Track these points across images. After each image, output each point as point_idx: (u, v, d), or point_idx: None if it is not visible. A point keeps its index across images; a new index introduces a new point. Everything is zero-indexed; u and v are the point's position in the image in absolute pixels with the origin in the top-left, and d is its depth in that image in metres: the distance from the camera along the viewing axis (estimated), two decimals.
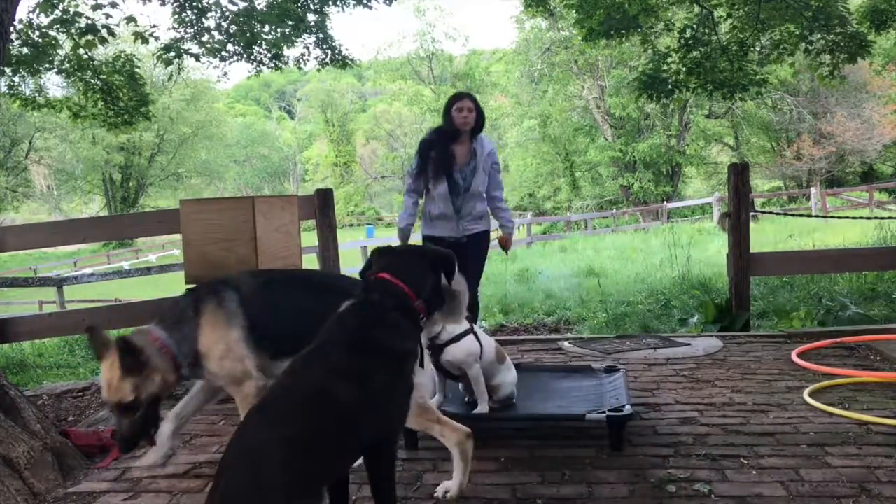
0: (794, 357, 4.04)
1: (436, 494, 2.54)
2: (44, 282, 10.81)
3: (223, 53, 9.65)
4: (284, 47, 9.81)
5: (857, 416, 3.08)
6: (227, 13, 9.39)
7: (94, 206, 45.04)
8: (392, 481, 2.16)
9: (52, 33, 8.68)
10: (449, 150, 4.51)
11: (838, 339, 4.38)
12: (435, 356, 2.97)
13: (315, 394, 2.01)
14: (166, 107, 37.33)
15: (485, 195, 4.64)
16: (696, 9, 10.95)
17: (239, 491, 1.85)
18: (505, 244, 4.92)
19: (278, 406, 2.04)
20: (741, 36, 10.53)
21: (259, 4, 9.44)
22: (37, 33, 8.61)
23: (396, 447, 2.19)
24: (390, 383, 2.10)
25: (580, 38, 12.37)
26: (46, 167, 40.04)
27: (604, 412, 2.88)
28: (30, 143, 36.83)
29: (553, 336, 5.43)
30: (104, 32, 8.39)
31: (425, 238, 4.62)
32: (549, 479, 2.61)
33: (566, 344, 4.73)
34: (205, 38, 9.56)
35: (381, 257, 2.41)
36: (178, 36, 9.56)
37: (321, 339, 2.29)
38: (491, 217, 4.83)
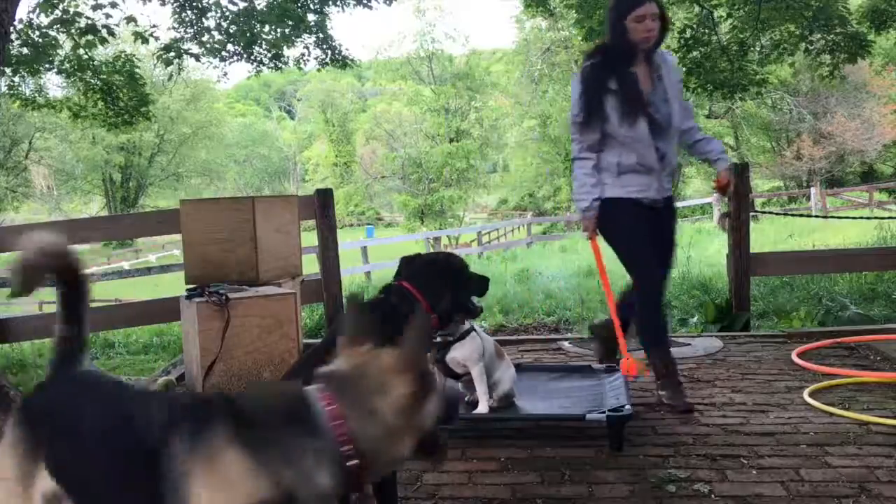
0: (794, 357, 4.04)
1: None
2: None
3: (223, 53, 9.67)
4: (284, 47, 9.82)
5: (857, 416, 3.08)
6: (227, 13, 9.40)
7: (94, 206, 45.01)
8: (393, 480, 2.16)
9: (52, 33, 8.69)
10: (634, 75, 3.22)
11: (838, 339, 4.38)
12: (440, 354, 2.99)
13: None
14: (166, 107, 37.30)
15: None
16: (696, 9, 10.95)
17: None
18: (727, 185, 3.45)
19: None
20: (741, 36, 10.55)
21: (259, 4, 9.45)
22: (37, 33, 8.62)
23: None
24: None
25: (580, 38, 12.37)
26: (46, 167, 39.99)
27: (604, 412, 2.88)
28: (30, 143, 36.79)
29: (553, 336, 5.43)
30: (104, 32, 8.40)
31: (609, 201, 3.29)
32: (549, 479, 2.61)
33: (566, 344, 4.73)
34: (205, 38, 9.57)
35: (407, 265, 2.39)
36: (178, 36, 9.57)
37: (326, 337, 2.30)
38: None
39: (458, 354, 2.99)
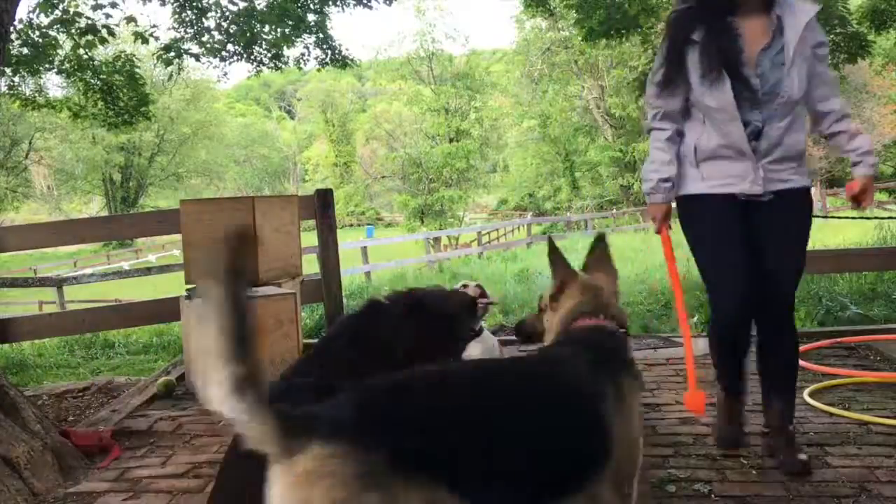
0: None
1: None
2: (44, 282, 10.82)
3: (223, 53, 9.66)
4: (284, 47, 9.81)
5: (857, 416, 3.08)
6: (227, 13, 9.39)
7: (94, 206, 45.04)
8: None
9: (52, 33, 8.68)
10: (729, 25, 2.45)
11: (838, 339, 4.38)
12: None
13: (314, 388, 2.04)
14: (166, 107, 37.35)
15: (802, 112, 2.53)
16: None
17: (238, 489, 1.88)
18: (860, 194, 2.56)
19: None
20: None
21: (259, 4, 9.44)
22: (37, 33, 8.61)
23: None
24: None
25: (580, 38, 12.37)
26: (46, 167, 40.04)
27: None
28: (30, 143, 36.83)
29: None
30: (104, 32, 8.39)
31: (687, 198, 2.62)
32: None
33: None
34: (205, 38, 9.56)
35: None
36: (178, 36, 9.56)
37: (327, 336, 2.32)
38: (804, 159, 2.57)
39: (475, 352, 3.08)
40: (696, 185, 2.58)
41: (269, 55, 9.88)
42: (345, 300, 5.37)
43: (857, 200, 2.56)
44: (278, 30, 9.49)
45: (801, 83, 2.44)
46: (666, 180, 2.60)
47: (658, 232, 2.73)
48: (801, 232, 2.57)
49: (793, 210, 2.53)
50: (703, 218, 2.59)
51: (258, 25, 9.39)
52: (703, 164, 2.55)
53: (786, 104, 2.43)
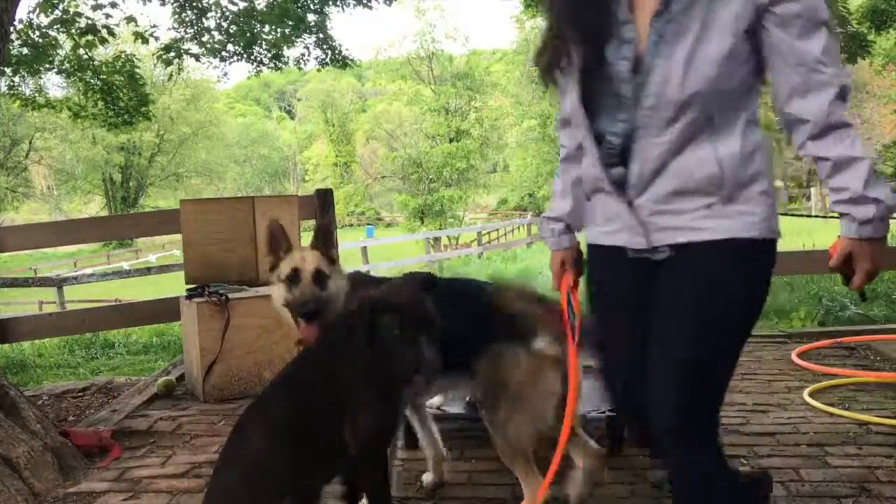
0: (794, 357, 4.04)
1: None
2: (44, 282, 10.83)
3: (223, 53, 9.67)
4: (284, 47, 9.82)
5: (857, 416, 3.08)
6: (227, 13, 9.39)
7: (94, 206, 45.05)
8: (380, 484, 2.18)
9: (52, 33, 8.69)
10: None
11: (838, 339, 4.38)
12: None
13: (301, 392, 2.07)
14: (166, 107, 37.35)
15: (739, 114, 1.49)
16: None
17: (231, 489, 1.90)
18: (842, 264, 1.57)
19: (269, 404, 2.10)
20: None
21: (259, 4, 9.45)
22: (37, 33, 8.62)
23: (384, 451, 2.21)
24: (360, 385, 2.09)
25: None
26: (46, 167, 40.06)
27: (604, 412, 2.88)
28: (30, 143, 36.83)
29: None
30: (104, 32, 8.40)
31: (588, 248, 1.79)
32: None
33: None
34: (205, 38, 9.57)
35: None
36: (178, 36, 9.57)
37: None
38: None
39: None
40: (591, 228, 1.76)
41: (269, 55, 9.89)
42: None
43: (842, 273, 1.59)
44: (278, 30, 9.50)
45: (709, 68, 1.44)
46: (555, 220, 1.84)
47: (556, 289, 1.91)
48: (702, 311, 1.52)
49: (696, 276, 1.52)
50: (593, 280, 1.79)
51: (258, 25, 9.40)
52: (590, 201, 1.73)
53: (665, 105, 1.46)
